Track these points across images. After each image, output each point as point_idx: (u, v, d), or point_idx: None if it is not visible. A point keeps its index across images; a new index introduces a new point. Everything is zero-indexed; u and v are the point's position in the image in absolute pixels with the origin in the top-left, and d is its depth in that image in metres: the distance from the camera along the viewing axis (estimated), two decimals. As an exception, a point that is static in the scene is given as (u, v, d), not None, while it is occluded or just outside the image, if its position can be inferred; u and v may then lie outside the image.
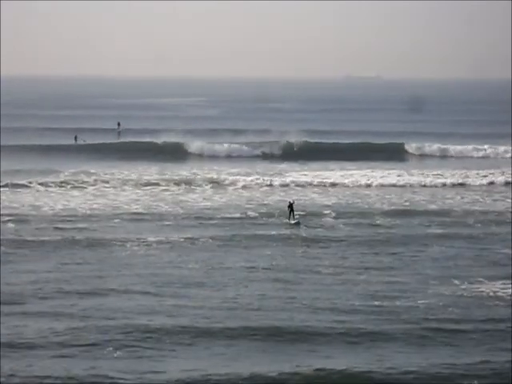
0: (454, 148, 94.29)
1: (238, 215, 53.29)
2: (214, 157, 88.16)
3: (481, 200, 61.33)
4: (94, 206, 56.08)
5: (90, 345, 28.13)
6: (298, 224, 51.19)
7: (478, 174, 73.69)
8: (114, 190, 63.58)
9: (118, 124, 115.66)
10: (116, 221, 50.65)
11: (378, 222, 51.57)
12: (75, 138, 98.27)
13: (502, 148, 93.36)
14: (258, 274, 38.54)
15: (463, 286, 36.21)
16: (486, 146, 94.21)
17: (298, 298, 34.38)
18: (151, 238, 45.35)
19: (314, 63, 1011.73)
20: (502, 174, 73.08)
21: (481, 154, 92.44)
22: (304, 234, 48.22)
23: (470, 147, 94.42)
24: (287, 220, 51.73)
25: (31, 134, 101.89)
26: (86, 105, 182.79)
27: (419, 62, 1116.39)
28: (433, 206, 58.15)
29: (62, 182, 65.46)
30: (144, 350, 27.88)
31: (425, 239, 46.42)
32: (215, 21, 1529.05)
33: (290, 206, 52.08)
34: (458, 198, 62.43)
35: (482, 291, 35.43)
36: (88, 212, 53.51)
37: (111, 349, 27.76)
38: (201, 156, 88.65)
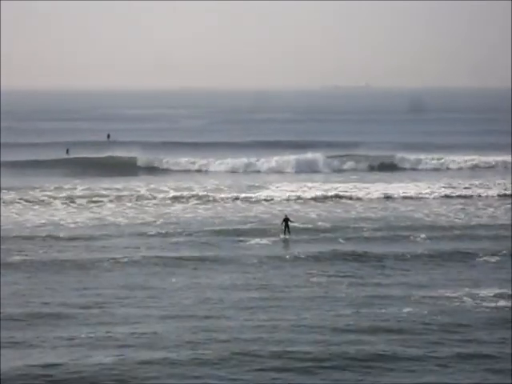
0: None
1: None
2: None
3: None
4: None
5: None
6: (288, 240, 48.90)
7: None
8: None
9: (108, 136, 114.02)
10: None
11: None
12: (67, 151, 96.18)
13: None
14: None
15: None
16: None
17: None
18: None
19: (301, 74, 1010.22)
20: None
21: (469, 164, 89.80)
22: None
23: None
24: (282, 235, 49.50)
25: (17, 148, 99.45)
26: (79, 117, 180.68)
27: (408, 71, 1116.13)
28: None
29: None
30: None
31: None
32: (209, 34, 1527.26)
33: (285, 220, 49.91)
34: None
35: None
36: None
37: None
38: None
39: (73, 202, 62.12)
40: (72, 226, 53.23)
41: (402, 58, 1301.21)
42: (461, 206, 61.83)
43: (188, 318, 32.50)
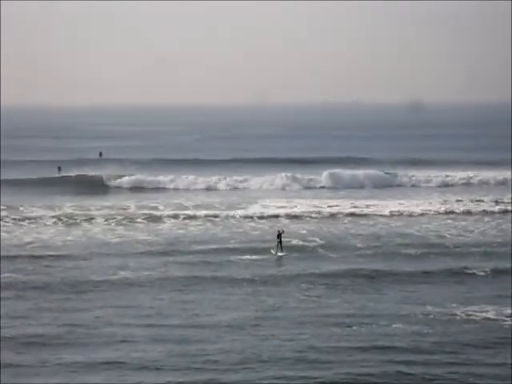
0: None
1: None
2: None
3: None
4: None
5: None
6: (285, 256, 47.86)
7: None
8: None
9: (100, 154, 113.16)
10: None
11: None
12: (59, 168, 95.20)
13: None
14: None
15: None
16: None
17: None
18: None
19: (289, 90, 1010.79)
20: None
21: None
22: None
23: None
24: (273, 251, 48.45)
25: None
26: (73, 135, 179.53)
27: (398, 86, 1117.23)
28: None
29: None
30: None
31: None
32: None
33: (279, 236, 48.70)
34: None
35: None
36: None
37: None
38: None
39: (60, 220, 60.96)
40: (59, 244, 52.40)
41: (392, 73, 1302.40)
42: (451, 223, 61.14)
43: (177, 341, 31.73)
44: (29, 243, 52.11)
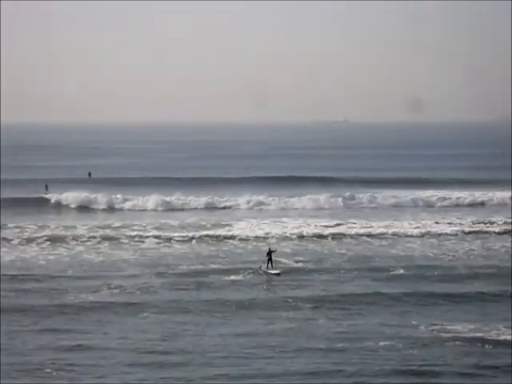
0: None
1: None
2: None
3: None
4: None
5: None
6: (278, 275, 46.83)
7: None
8: None
9: (89, 174, 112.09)
10: None
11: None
12: (46, 187, 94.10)
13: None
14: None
15: None
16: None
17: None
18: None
19: (278, 108, 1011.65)
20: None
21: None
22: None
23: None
24: (265, 269, 47.57)
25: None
26: (64, 153, 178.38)
27: (386, 106, 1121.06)
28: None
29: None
30: None
31: None
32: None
33: (269, 253, 47.94)
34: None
35: None
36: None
37: None
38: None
39: (48, 241, 59.87)
40: (42, 263, 51.60)
41: (379, 95, 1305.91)
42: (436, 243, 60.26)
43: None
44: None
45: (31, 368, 30.50)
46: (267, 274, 47.26)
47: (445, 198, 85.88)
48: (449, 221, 69.99)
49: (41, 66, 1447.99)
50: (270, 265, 47.74)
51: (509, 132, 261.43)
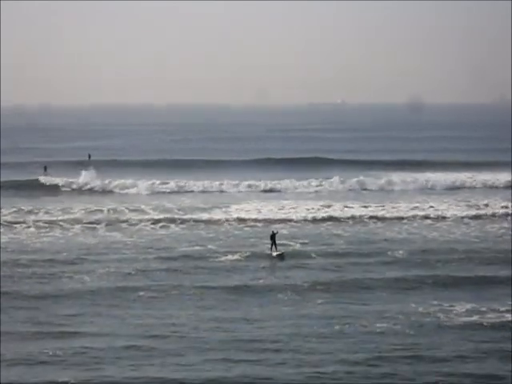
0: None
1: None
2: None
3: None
4: None
5: None
6: (281, 256, 46.43)
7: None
8: None
9: (89, 156, 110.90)
10: None
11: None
12: (45, 168, 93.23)
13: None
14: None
15: None
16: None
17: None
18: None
19: (275, 91, 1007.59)
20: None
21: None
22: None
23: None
24: (270, 252, 47.07)
25: None
26: (65, 135, 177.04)
27: (383, 87, 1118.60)
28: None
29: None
30: None
31: None
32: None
33: (273, 236, 47.51)
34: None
35: None
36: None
37: None
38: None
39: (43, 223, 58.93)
40: (38, 245, 50.75)
41: (377, 74, 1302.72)
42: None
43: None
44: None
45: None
46: (271, 256, 46.74)
47: (444, 181, 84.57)
48: (451, 203, 68.94)
49: (41, 49, 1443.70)
50: (273, 247, 47.21)
51: (509, 114, 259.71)
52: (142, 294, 38.54)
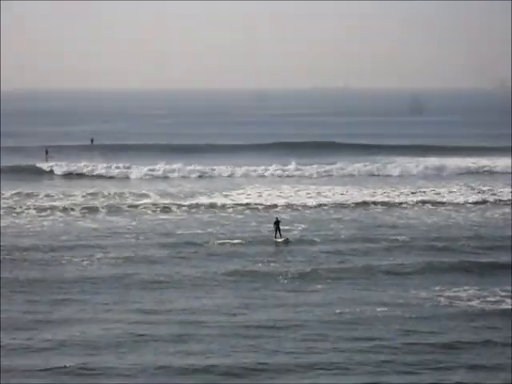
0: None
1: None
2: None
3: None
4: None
5: None
6: (286, 242, 46.15)
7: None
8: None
9: (92, 140, 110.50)
10: None
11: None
12: (46, 151, 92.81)
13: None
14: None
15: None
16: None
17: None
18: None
19: (277, 76, 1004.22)
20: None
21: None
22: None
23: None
24: (274, 238, 46.76)
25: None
26: (70, 120, 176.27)
27: (386, 72, 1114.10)
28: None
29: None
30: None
31: None
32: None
33: (276, 223, 47.28)
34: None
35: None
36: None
37: None
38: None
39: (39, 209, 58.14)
40: (38, 229, 50.42)
41: (380, 59, 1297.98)
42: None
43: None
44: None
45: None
46: (275, 242, 46.48)
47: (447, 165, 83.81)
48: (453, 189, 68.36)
49: (42, 35, 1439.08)
50: (278, 234, 46.97)
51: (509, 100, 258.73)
52: (142, 279, 38.06)
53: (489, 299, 34.51)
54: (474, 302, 34.07)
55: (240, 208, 59.15)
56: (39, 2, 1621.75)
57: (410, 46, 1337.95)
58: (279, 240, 46.67)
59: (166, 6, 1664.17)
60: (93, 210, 58.02)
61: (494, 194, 65.51)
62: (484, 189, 68.20)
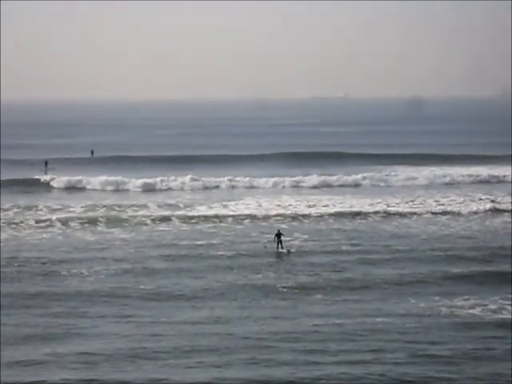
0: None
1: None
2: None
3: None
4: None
5: None
6: (288, 253, 46.56)
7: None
8: None
9: (92, 152, 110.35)
10: None
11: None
12: (45, 163, 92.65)
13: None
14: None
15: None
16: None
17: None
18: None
19: (276, 86, 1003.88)
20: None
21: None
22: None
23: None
24: (275, 249, 47.00)
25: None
26: (69, 131, 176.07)
27: (386, 82, 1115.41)
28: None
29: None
30: None
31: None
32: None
33: (278, 235, 47.66)
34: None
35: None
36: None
37: None
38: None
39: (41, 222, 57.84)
40: (36, 242, 50.24)
41: (379, 68, 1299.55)
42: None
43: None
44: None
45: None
46: (277, 253, 46.88)
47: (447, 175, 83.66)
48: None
49: (39, 44, 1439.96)
50: (279, 245, 47.34)
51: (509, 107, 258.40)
52: (141, 291, 37.83)
53: (490, 308, 34.33)
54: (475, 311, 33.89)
55: (240, 218, 58.98)
56: (40, 13, 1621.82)
57: (411, 55, 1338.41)
58: (281, 251, 46.92)
59: (165, 18, 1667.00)
60: (92, 221, 57.78)
61: (494, 202, 65.15)
62: (483, 197, 67.87)
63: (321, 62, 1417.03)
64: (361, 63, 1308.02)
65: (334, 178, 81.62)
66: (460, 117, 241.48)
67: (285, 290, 38.25)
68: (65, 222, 57.40)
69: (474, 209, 62.72)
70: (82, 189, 78.38)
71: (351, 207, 63.72)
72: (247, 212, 61.65)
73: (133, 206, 64.55)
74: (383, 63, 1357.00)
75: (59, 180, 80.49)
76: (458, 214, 61.15)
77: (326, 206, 64.71)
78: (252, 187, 78.24)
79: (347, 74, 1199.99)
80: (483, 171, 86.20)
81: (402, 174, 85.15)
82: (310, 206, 64.60)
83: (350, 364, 27.62)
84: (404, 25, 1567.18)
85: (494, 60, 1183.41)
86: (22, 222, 57.44)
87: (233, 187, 78.58)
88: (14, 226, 56.27)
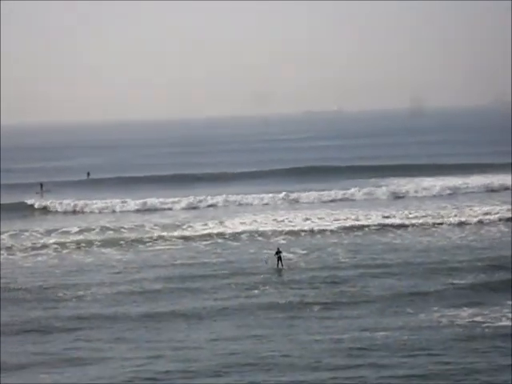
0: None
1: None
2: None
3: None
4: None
5: None
6: (286, 269, 46.78)
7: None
8: None
9: (88, 174, 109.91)
10: None
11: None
12: (41, 186, 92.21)
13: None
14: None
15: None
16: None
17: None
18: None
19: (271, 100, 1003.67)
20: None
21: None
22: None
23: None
24: (276, 266, 47.13)
25: None
26: (62, 154, 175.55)
27: (379, 94, 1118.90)
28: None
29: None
30: None
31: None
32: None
33: (278, 252, 47.86)
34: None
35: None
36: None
37: None
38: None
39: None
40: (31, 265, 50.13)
41: (372, 82, 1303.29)
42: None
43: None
44: None
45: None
46: (276, 269, 46.99)
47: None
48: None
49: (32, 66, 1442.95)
50: (280, 263, 47.43)
51: (508, 116, 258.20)
52: (138, 313, 37.50)
53: (489, 318, 34.08)
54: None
55: (237, 235, 58.75)
56: (39, 36, 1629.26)
57: (406, 66, 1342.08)
58: (280, 267, 47.04)
59: (164, 32, 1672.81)
60: (88, 244, 57.36)
61: (490, 214, 64.42)
62: (477, 208, 67.10)
63: (314, 76, 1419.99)
64: (354, 77, 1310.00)
65: (332, 192, 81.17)
66: (455, 127, 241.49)
67: (284, 305, 37.96)
68: (61, 244, 57.06)
69: (469, 219, 62.37)
70: (79, 211, 77.93)
71: (347, 220, 63.38)
72: (244, 228, 61.38)
73: (129, 226, 64.05)
74: (376, 76, 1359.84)
75: (55, 203, 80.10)
76: (453, 224, 60.88)
77: (322, 218, 64.47)
78: (247, 204, 77.90)
79: (340, 87, 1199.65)
80: (479, 180, 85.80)
81: (395, 185, 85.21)
82: (306, 220, 64.37)
83: (350, 380, 27.35)
84: (397, 40, 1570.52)
85: (490, 66, 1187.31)
86: (13, 246, 57.01)
87: (228, 205, 78.20)
88: (8, 250, 55.89)
